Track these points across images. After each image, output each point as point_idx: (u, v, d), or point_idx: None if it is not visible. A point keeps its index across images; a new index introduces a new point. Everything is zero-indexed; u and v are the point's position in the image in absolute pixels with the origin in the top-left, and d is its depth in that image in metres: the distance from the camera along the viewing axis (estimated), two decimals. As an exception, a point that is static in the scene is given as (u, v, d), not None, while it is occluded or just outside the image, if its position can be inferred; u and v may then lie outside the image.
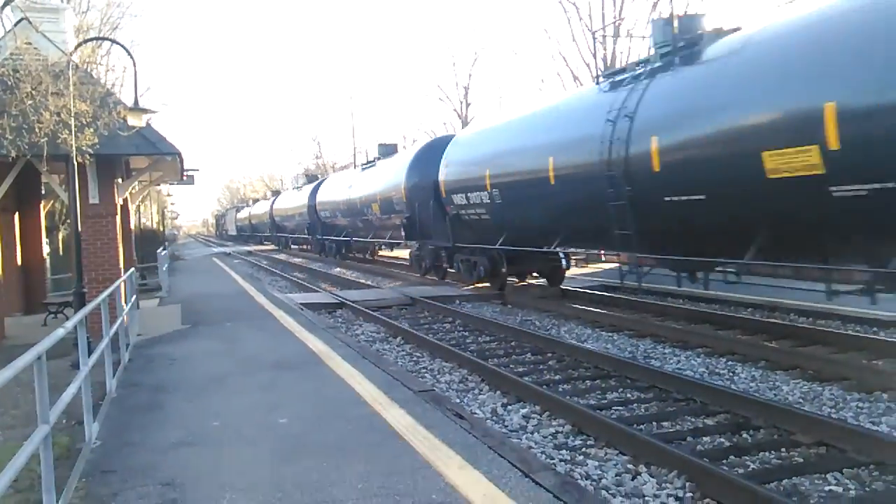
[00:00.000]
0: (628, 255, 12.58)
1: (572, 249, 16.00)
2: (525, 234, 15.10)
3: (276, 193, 57.22)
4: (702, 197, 9.61)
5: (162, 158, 13.24)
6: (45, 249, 18.46)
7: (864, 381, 7.86)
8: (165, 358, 9.39)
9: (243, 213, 73.42)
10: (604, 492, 5.19)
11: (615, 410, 7.27)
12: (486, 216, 16.27)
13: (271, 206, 51.65)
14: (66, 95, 9.85)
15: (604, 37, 26.72)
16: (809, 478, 5.31)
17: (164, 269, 20.71)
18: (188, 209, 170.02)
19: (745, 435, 6.38)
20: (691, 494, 5.06)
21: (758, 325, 11.19)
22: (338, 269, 29.29)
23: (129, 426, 6.25)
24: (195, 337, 11.08)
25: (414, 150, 22.52)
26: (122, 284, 10.16)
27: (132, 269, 12.58)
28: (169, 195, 47.51)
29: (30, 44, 11.38)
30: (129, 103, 10.94)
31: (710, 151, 9.29)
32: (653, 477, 5.37)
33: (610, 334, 11.54)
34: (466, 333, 12.20)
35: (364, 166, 29.24)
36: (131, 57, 11.33)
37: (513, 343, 11.00)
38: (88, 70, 15.94)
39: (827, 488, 5.15)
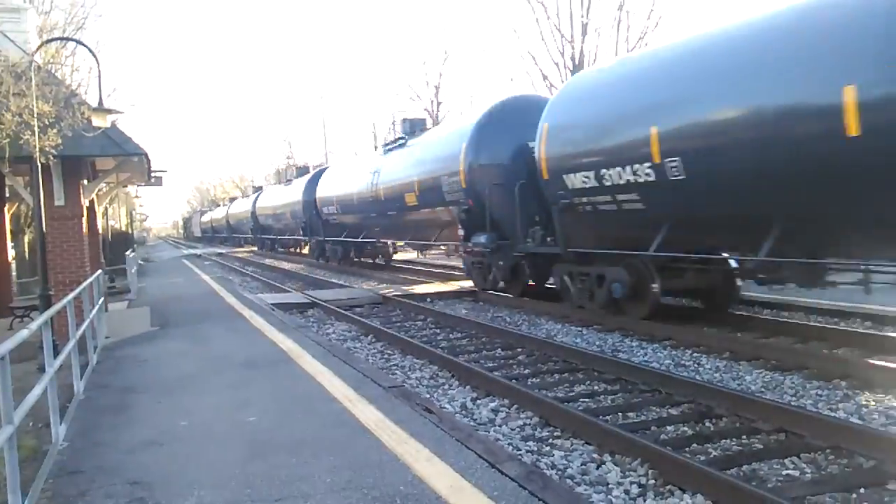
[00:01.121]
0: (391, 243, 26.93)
1: (373, 239, 26.00)
2: (354, 230, 25.93)
3: (232, 200, 67.94)
4: (394, 213, 20.74)
5: (128, 159, 13.11)
6: (11, 253, 18.17)
7: (824, 370, 8.08)
8: (134, 359, 9.33)
9: (206, 217, 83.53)
10: (569, 480, 5.29)
11: (582, 402, 7.39)
12: (335, 220, 27.77)
13: (227, 212, 63.86)
14: (28, 96, 9.73)
15: (571, 36, 26.94)
16: (768, 463, 5.47)
17: (133, 271, 20.51)
18: (158, 211, 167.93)
19: (707, 423, 6.54)
20: (654, 481, 5.18)
21: (723, 318, 11.41)
22: (270, 259, 34.68)
23: (97, 427, 6.22)
24: (164, 338, 11.01)
25: (307, 177, 33.39)
26: (90, 286, 10.06)
27: (100, 271, 12.46)
28: (137, 197, 46.90)
29: (-10, 44, 11.21)
30: (95, 104, 10.84)
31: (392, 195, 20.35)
32: (617, 465, 5.49)
33: (579, 329, 11.70)
34: (438, 331, 12.28)
35: (285, 183, 40.13)
36: (95, 57, 11.24)
37: (483, 339, 11.10)
38: (52, 70, 15.72)
39: (785, 472, 5.30)
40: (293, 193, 34.49)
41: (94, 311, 9.46)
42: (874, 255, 8.85)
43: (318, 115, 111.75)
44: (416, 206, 18.53)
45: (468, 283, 17.99)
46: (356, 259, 28.10)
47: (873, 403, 6.94)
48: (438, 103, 41.15)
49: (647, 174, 10.17)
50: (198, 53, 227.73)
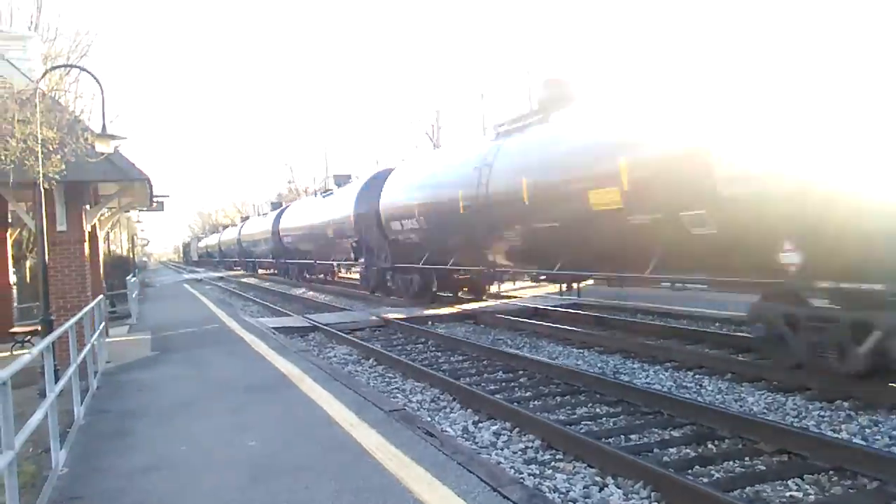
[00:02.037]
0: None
1: (311, 261, 32.85)
2: (303, 254, 33.34)
3: (225, 227, 76.00)
4: (323, 242, 28.43)
5: (130, 184, 13.20)
6: (12, 278, 18.18)
7: (826, 391, 8.05)
8: (134, 384, 9.32)
9: (202, 243, 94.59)
10: (571, 504, 5.27)
11: (584, 425, 7.36)
12: (292, 246, 35.51)
13: (219, 239, 72.39)
14: (32, 122, 9.80)
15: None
16: (771, 485, 5.44)
17: (134, 296, 20.52)
18: (159, 236, 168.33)
19: (710, 445, 6.51)
20: (657, 503, 5.15)
21: (725, 339, 11.40)
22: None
23: (97, 452, 6.20)
24: (165, 363, 11.00)
25: (276, 211, 40.59)
26: (91, 312, 10.07)
27: (101, 296, 12.47)
28: (139, 221, 47.01)
29: (-5, 72, 11.31)
30: (98, 130, 10.92)
31: (321, 229, 27.28)
32: (619, 488, 5.46)
33: (581, 351, 11.68)
34: (439, 354, 12.25)
35: (262, 215, 49.12)
36: (99, 83, 11.33)
37: (485, 362, 11.07)
38: (56, 97, 15.87)
39: (788, 494, 5.28)
40: (266, 224, 41.19)
41: (94, 337, 9.46)
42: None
43: (320, 139, 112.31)
44: (332, 237, 26.68)
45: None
46: (309, 276, 35.18)
47: (876, 424, 6.90)
48: (439, 127, 41.45)
49: (415, 224, 18.20)
50: (202, 78, 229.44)
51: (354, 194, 24.03)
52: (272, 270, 45.67)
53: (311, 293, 28.80)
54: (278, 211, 39.83)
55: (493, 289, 20.52)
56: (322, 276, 34.07)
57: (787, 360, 8.71)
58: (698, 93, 9.06)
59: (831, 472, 5.57)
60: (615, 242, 11.00)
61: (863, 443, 6.34)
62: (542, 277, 14.61)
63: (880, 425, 6.85)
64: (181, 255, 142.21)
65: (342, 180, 29.60)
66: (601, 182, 10.52)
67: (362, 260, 23.79)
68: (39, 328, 10.20)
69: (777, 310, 8.75)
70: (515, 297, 19.94)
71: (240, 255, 53.57)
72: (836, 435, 6.60)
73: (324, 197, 29.90)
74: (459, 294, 20.30)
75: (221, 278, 47.45)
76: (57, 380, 6.26)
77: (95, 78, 11.24)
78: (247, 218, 59.48)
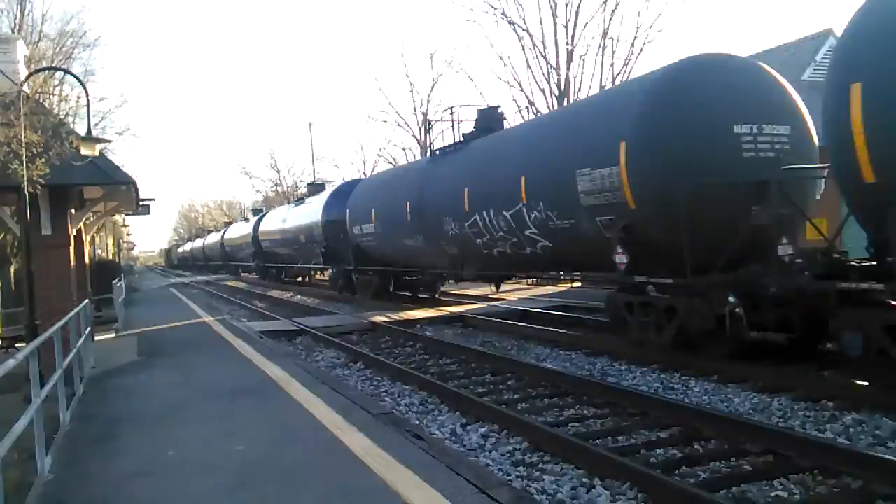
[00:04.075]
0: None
1: (283, 264, 38.93)
2: (279, 258, 37.10)
3: (208, 232, 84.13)
4: (297, 246, 32.77)
5: (116, 188, 13.14)
6: (-4, 283, 18.04)
7: (811, 391, 8.12)
8: (121, 389, 9.27)
9: (181, 249, 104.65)
10: (559, 505, 5.29)
11: (571, 427, 7.39)
12: (269, 250, 38.62)
13: (191, 246, 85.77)
14: (16, 126, 9.75)
15: (557, 63, 27.29)
16: (757, 484, 5.48)
17: (120, 300, 20.38)
18: (145, 240, 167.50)
19: (696, 446, 6.55)
20: (644, 504, 5.18)
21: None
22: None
23: (84, 458, 6.16)
24: (151, 368, 10.94)
25: (257, 217, 44.61)
26: (76, 316, 10.00)
27: (86, 300, 12.39)
28: (125, 225, 46.80)
29: (-21, 75, 11.23)
30: (83, 133, 10.87)
31: (295, 234, 32.25)
32: (607, 489, 5.49)
33: (568, 353, 11.71)
34: (427, 357, 12.26)
35: (242, 220, 56.45)
36: (84, 86, 11.31)
37: (473, 364, 11.08)
38: (40, 100, 15.75)
39: (773, 494, 5.32)
40: (247, 228, 44.79)
41: (80, 341, 9.40)
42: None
43: (307, 141, 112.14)
44: (304, 243, 29.62)
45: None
46: (286, 279, 39.18)
47: (860, 424, 6.97)
48: (427, 129, 41.37)
49: (268, 245, 37.22)
50: (186, 80, 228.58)
51: (252, 224, 41.48)
52: (252, 273, 51.18)
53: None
54: (258, 217, 45.32)
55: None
56: (300, 278, 44.06)
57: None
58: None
59: (816, 472, 5.62)
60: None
61: (847, 442, 6.40)
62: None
63: (864, 425, 6.92)
64: (165, 259, 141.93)
65: (317, 188, 37.32)
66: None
67: (256, 262, 41.91)
68: (24, 333, 10.13)
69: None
70: (503, 298, 19.99)
71: (223, 258, 59.83)
72: (820, 435, 6.66)
73: (296, 206, 37.19)
74: (298, 279, 38.18)
75: (208, 282, 47.23)
76: (42, 385, 6.22)
77: (80, 80, 11.23)
78: (229, 223, 64.37)
